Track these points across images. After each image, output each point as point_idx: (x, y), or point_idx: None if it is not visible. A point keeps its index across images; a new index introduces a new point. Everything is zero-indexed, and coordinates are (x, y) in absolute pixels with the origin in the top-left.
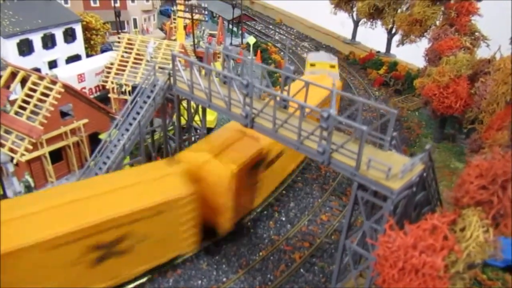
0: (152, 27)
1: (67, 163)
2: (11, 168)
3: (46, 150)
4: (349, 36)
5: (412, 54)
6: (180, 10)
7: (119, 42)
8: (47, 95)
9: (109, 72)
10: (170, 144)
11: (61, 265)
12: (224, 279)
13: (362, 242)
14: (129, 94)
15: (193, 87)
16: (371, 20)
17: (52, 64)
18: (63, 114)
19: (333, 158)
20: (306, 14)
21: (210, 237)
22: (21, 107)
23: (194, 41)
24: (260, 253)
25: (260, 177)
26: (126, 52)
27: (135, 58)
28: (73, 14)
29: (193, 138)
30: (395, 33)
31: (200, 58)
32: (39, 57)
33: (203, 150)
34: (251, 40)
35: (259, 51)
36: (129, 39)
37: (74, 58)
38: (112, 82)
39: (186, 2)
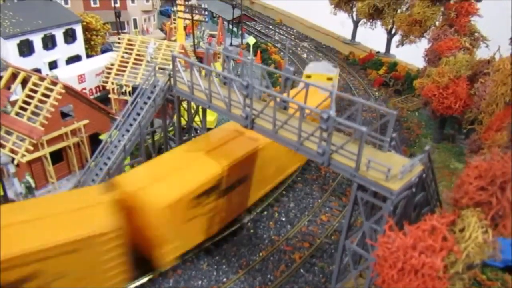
0: (152, 27)
1: (67, 163)
2: (12, 169)
3: (46, 150)
4: (349, 37)
5: (411, 54)
6: (180, 11)
7: (119, 43)
8: (47, 96)
9: (109, 73)
10: (171, 144)
11: None
12: (224, 280)
13: (362, 243)
14: (129, 95)
15: (193, 88)
16: (371, 20)
17: (53, 65)
18: (64, 115)
19: (333, 159)
20: (306, 14)
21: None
22: (21, 108)
23: (194, 42)
24: (260, 254)
25: (216, 205)
26: (126, 53)
27: (135, 59)
28: (73, 15)
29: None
30: (395, 34)
31: (200, 59)
32: (40, 58)
33: (145, 173)
34: (251, 40)
35: (259, 51)
36: (129, 40)
37: (75, 59)
38: (112, 83)
39: (186, 3)
